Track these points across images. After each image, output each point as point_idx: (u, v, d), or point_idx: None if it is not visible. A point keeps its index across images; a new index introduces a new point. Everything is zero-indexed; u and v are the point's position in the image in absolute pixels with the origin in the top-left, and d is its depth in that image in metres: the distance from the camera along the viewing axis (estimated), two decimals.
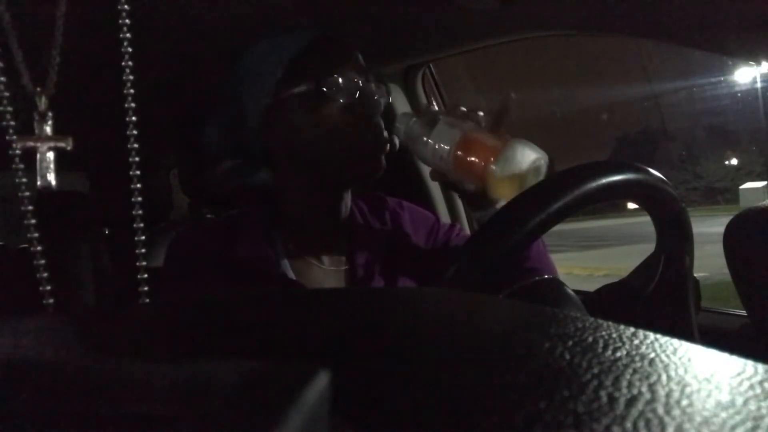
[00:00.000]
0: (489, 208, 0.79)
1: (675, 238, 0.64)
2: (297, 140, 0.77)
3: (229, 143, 0.82)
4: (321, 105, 0.75)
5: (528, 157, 0.68)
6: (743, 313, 0.95)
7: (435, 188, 1.39)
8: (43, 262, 0.35)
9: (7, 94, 0.35)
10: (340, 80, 0.75)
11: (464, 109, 0.77)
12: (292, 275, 0.78)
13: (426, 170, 1.38)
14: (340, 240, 0.84)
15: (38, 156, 0.38)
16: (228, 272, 0.76)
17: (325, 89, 0.75)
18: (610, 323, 0.24)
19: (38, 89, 0.38)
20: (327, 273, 0.82)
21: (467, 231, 1.39)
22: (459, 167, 0.72)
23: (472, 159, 0.70)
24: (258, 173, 0.82)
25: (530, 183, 0.68)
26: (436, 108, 0.78)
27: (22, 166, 0.36)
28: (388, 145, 0.79)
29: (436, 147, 0.73)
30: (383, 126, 0.79)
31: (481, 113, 0.76)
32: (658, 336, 0.22)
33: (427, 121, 0.75)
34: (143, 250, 0.37)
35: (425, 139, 0.74)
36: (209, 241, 0.78)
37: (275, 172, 0.82)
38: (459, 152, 0.71)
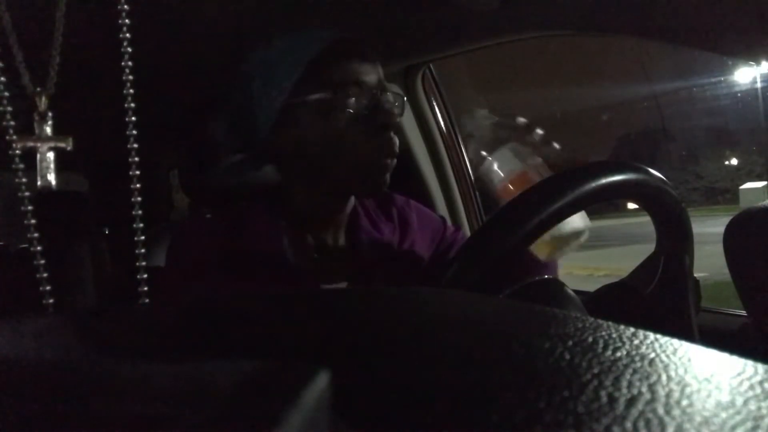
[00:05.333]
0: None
1: (675, 238, 0.64)
2: (307, 145, 0.76)
3: (238, 138, 0.81)
4: (335, 113, 0.73)
5: (572, 223, 0.65)
6: (743, 313, 0.95)
7: (435, 188, 1.39)
8: (43, 262, 0.35)
9: (7, 94, 0.35)
10: (357, 90, 0.73)
11: (541, 132, 0.73)
12: (295, 265, 0.78)
13: (427, 170, 1.38)
14: (344, 235, 0.84)
15: (38, 156, 0.38)
16: (233, 261, 0.75)
17: (340, 98, 0.73)
18: (610, 323, 0.24)
19: (38, 89, 0.38)
20: (328, 267, 0.82)
21: (467, 232, 1.39)
22: (503, 199, 0.68)
23: None
24: (263, 169, 0.81)
25: (568, 249, 0.66)
26: (513, 122, 0.72)
27: (22, 166, 0.36)
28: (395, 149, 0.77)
29: (492, 167, 0.70)
30: (396, 141, 0.76)
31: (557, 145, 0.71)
32: (658, 336, 0.22)
33: (496, 133, 0.72)
34: (143, 250, 0.37)
35: (484, 153, 0.71)
36: (213, 231, 0.78)
37: (282, 170, 0.81)
38: (510, 186, 0.68)
